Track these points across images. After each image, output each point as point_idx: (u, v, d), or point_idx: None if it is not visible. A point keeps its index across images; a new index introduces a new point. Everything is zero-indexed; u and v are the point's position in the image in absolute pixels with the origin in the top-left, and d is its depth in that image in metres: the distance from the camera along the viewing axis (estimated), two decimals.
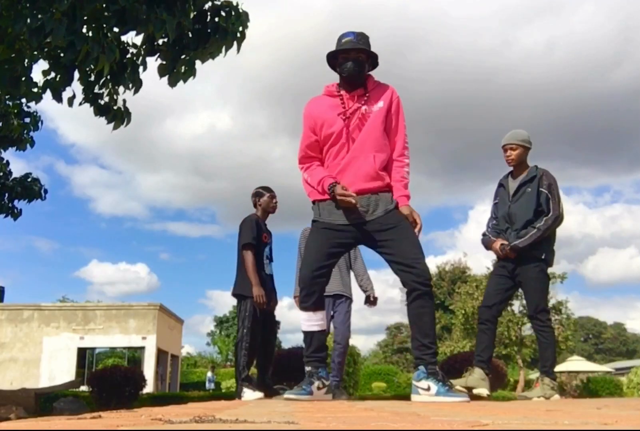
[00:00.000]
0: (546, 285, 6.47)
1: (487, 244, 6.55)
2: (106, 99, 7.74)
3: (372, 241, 4.62)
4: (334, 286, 7.61)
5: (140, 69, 7.36)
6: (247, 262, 7.29)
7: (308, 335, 4.74)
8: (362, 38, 4.80)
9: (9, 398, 11.06)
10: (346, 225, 4.62)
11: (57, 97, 7.45)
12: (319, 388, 4.57)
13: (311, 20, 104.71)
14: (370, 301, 7.96)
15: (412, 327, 4.54)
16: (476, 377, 6.09)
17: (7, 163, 13.04)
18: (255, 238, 7.36)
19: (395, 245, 4.50)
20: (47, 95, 7.57)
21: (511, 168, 6.52)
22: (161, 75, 7.38)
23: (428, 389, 4.27)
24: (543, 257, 6.23)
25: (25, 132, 12.12)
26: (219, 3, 7.41)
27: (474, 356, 6.34)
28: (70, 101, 7.48)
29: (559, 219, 6.19)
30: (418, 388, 4.34)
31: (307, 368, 4.69)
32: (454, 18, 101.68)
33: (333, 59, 4.84)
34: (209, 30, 7.27)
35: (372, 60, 4.88)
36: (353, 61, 4.72)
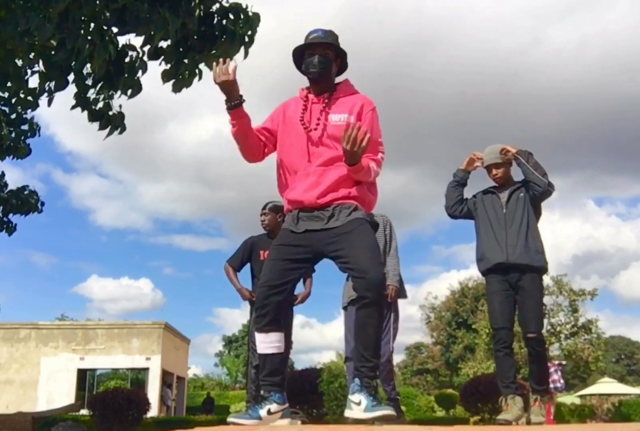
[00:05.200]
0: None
1: (461, 176, 6.67)
2: (101, 104, 7.77)
3: (329, 252, 4.53)
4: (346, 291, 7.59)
5: (140, 72, 7.36)
6: (226, 274, 7.88)
7: (261, 357, 4.70)
8: (331, 35, 4.72)
9: (4, 422, 11.07)
10: (301, 239, 4.56)
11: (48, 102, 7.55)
12: (269, 413, 4.51)
13: (321, 17, 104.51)
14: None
15: (356, 337, 4.49)
16: (520, 407, 5.98)
17: (3, 174, 13.08)
18: (240, 260, 7.87)
19: (349, 252, 4.39)
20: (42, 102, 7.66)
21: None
22: (165, 80, 7.42)
23: (359, 403, 4.22)
24: (546, 265, 6.28)
25: (22, 139, 12.14)
26: (227, 5, 7.42)
27: (507, 383, 6.15)
28: (50, 101, 7.52)
29: (549, 184, 6.23)
30: (351, 402, 4.28)
31: (261, 392, 4.66)
32: (477, 14, 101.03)
33: (300, 59, 4.74)
34: (215, 33, 7.29)
35: (341, 60, 4.77)
36: (319, 56, 4.62)
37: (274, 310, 4.59)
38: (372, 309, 4.32)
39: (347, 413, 4.31)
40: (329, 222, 4.50)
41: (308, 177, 4.57)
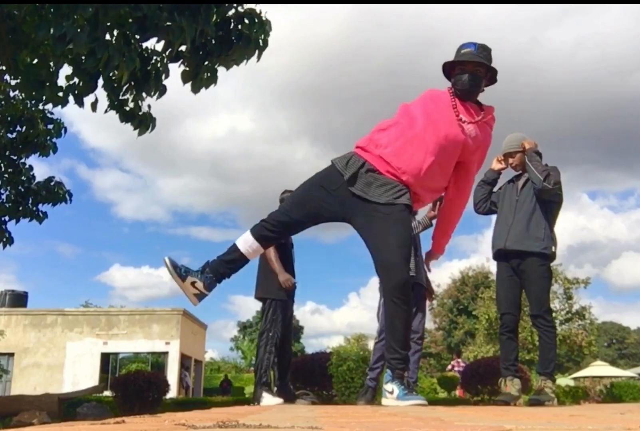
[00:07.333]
0: (550, 283, 6.37)
1: (488, 176, 6.54)
2: (131, 105, 7.78)
3: (357, 224, 4.36)
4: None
5: (164, 76, 7.36)
6: (268, 253, 7.15)
7: (232, 247, 4.65)
8: (484, 51, 4.53)
9: (32, 403, 11.10)
10: (341, 194, 4.33)
11: (79, 102, 7.51)
12: (192, 284, 4.51)
13: (331, 20, 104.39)
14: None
15: (386, 330, 4.42)
16: (518, 389, 5.95)
17: (30, 168, 13.06)
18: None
19: (377, 239, 4.22)
20: (69, 99, 7.63)
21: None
22: (184, 81, 7.41)
23: (392, 392, 4.22)
24: (549, 251, 6.06)
25: (49, 138, 12.19)
26: (242, 10, 7.42)
27: (507, 365, 6.08)
28: (94, 106, 7.50)
29: (545, 181, 5.94)
30: (386, 391, 4.29)
31: (206, 268, 4.65)
32: (478, 16, 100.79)
33: (450, 69, 4.57)
34: (232, 38, 7.29)
35: (491, 75, 4.61)
36: (470, 74, 4.44)
37: (274, 238, 4.75)
38: (398, 304, 4.20)
39: (383, 402, 4.32)
40: (374, 189, 4.29)
41: (424, 161, 4.30)
